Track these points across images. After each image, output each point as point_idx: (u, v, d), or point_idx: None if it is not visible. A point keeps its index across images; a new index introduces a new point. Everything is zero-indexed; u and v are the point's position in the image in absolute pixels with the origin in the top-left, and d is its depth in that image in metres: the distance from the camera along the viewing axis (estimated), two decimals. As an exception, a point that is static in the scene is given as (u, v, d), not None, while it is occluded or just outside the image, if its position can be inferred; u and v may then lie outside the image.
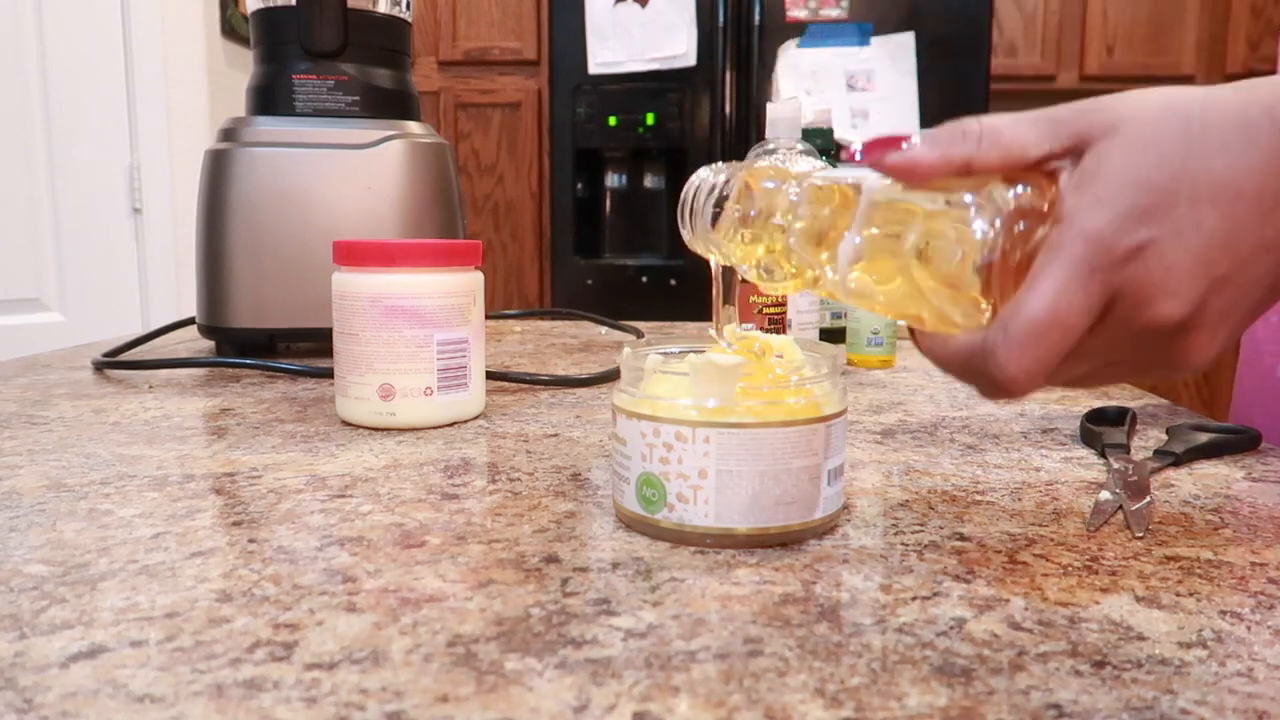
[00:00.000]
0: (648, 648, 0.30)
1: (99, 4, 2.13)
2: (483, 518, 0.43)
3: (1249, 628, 0.32)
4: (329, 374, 0.74)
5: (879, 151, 0.35)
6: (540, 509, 0.44)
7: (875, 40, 2.23)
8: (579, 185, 2.36)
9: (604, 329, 1.16)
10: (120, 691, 0.27)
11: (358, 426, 0.61)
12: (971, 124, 0.35)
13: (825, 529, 0.41)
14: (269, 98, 0.89)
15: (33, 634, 0.31)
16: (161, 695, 0.27)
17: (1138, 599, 0.34)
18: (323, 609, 0.33)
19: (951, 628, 0.31)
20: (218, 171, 0.87)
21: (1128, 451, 0.54)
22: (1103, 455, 0.54)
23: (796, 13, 2.27)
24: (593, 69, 2.26)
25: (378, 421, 0.60)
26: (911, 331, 0.38)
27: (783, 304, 0.84)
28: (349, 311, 0.59)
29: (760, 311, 0.83)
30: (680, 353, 0.44)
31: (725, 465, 0.38)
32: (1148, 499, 0.45)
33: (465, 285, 0.61)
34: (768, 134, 0.96)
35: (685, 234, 0.42)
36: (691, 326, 1.27)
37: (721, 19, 2.26)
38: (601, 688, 0.27)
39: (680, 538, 0.39)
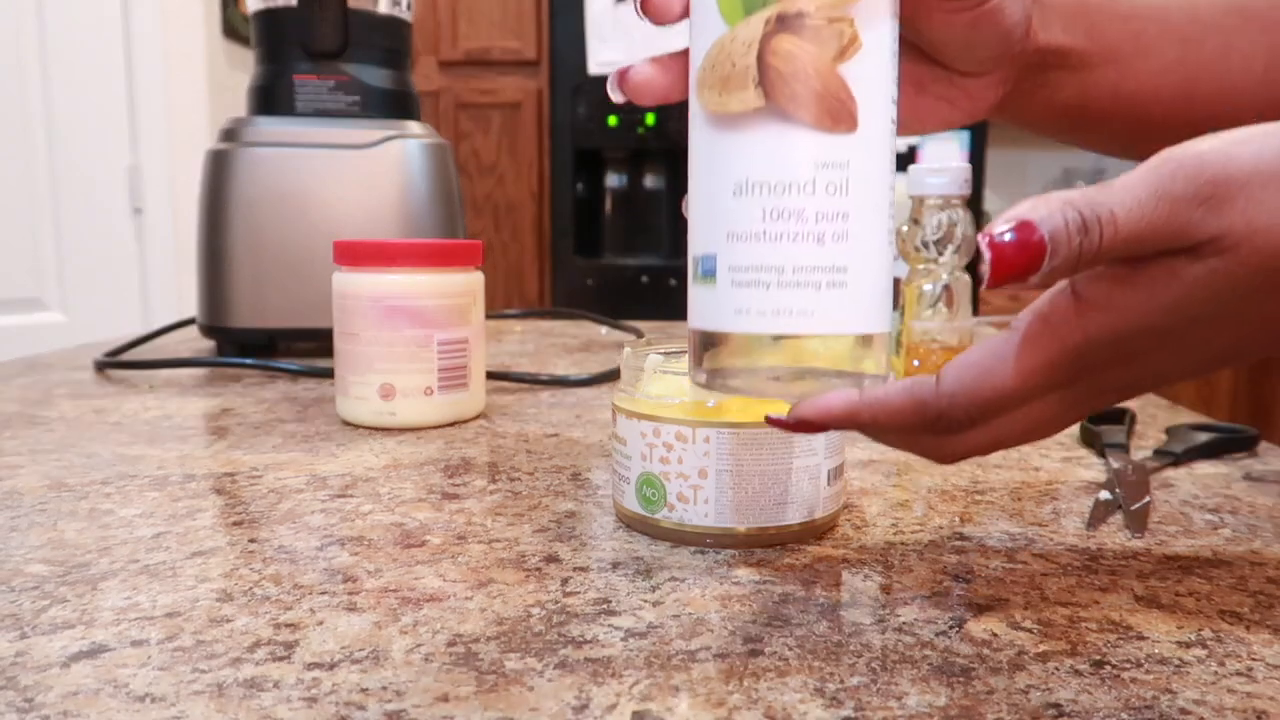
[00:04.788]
0: (648, 647, 0.30)
1: (99, 4, 2.13)
2: (483, 517, 0.43)
3: (1249, 628, 0.32)
4: (329, 374, 0.74)
5: (1006, 277, 0.27)
6: (540, 509, 0.44)
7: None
8: (579, 185, 2.36)
9: (604, 329, 1.16)
10: (121, 691, 0.27)
11: (358, 426, 0.61)
12: (1090, 216, 0.27)
13: (825, 529, 0.41)
14: (270, 98, 0.89)
15: (33, 633, 0.31)
16: (162, 695, 0.27)
17: (1137, 599, 0.34)
18: (323, 609, 0.33)
19: (951, 628, 0.32)
20: (218, 171, 0.87)
21: (1127, 451, 0.54)
22: (1102, 455, 0.54)
23: (797, 13, 2.26)
24: (593, 69, 2.26)
25: (378, 421, 0.60)
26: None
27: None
28: (349, 311, 0.59)
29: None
30: (680, 353, 0.44)
31: (725, 465, 0.38)
32: (1147, 499, 0.45)
33: (465, 285, 0.61)
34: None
35: None
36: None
37: (722, 19, 2.25)
38: (601, 687, 0.27)
39: (680, 538, 0.39)
